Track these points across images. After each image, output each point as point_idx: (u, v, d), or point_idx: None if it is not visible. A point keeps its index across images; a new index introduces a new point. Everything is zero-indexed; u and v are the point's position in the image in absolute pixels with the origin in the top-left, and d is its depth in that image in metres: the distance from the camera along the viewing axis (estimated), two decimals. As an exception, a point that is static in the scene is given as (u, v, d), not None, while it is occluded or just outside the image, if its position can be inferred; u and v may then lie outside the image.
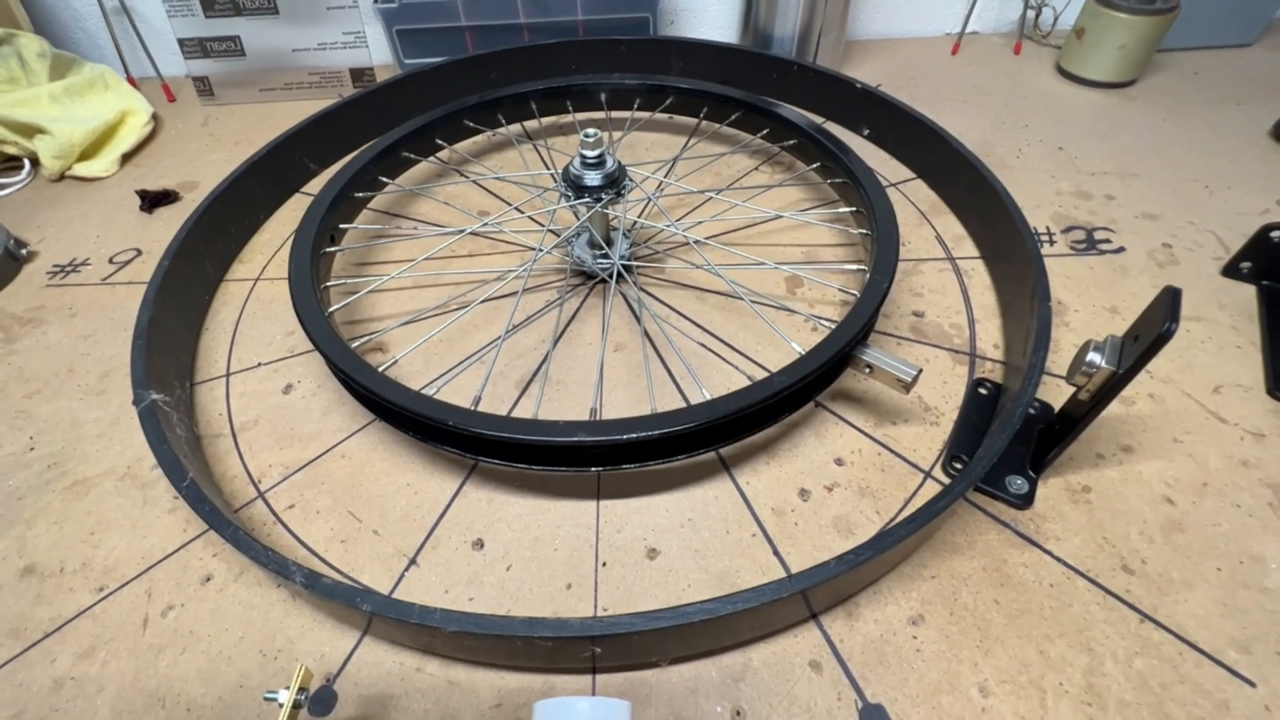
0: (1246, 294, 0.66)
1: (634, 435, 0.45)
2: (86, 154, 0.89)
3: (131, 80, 1.01)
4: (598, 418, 0.57)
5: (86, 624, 0.48)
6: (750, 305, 0.64)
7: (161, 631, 0.47)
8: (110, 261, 0.76)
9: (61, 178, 0.88)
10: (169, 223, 0.81)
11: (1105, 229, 0.73)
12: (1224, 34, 1.01)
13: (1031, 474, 0.52)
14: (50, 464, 0.57)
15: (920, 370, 0.50)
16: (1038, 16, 1.03)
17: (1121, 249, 0.71)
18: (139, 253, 0.77)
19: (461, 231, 0.72)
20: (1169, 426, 0.56)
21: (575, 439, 0.45)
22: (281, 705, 0.36)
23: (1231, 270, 0.67)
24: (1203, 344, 0.62)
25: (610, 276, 0.66)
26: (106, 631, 0.47)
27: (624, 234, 0.70)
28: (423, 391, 0.49)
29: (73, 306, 0.71)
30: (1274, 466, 0.53)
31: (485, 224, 0.74)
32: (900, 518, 0.51)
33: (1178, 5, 0.87)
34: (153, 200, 0.82)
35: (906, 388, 0.50)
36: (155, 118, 0.96)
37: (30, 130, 0.86)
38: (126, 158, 0.91)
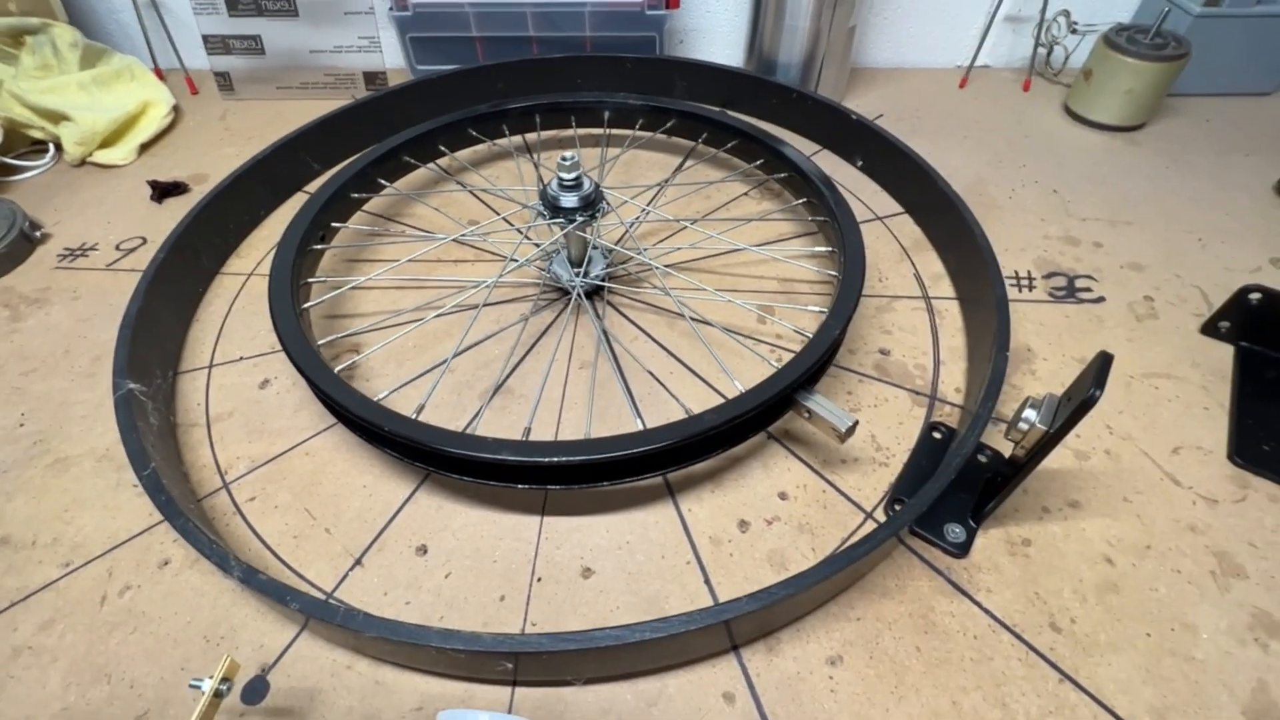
0: (1224, 354, 0.65)
1: (557, 459, 0.46)
2: (107, 142, 0.93)
3: (159, 72, 1.06)
4: (554, 437, 0.59)
5: (50, 597, 0.50)
6: (698, 336, 0.65)
7: (117, 610, 0.50)
8: (117, 248, 0.79)
9: (82, 164, 0.92)
10: (177, 213, 0.83)
11: (1088, 277, 0.73)
12: (1242, 82, 0.99)
13: (971, 523, 0.52)
14: (36, 440, 0.60)
15: (856, 422, 0.50)
16: (1049, 54, 1.02)
17: (1101, 299, 0.70)
18: (144, 241, 0.80)
19: (444, 239, 0.74)
20: (1121, 484, 0.55)
21: (500, 457, 0.46)
22: (204, 692, 0.38)
23: (1210, 329, 0.66)
24: (1169, 402, 0.61)
25: (582, 295, 0.67)
26: (67, 605, 0.50)
27: (602, 254, 0.71)
28: (387, 395, 0.51)
29: (77, 290, 0.74)
30: (1222, 534, 0.52)
31: (466, 233, 0.75)
32: (835, 556, 0.51)
33: (1188, 53, 0.86)
34: (163, 191, 0.86)
35: (841, 438, 0.51)
36: (176, 109, 1.00)
37: (57, 116, 0.90)
38: (145, 147, 0.95)
